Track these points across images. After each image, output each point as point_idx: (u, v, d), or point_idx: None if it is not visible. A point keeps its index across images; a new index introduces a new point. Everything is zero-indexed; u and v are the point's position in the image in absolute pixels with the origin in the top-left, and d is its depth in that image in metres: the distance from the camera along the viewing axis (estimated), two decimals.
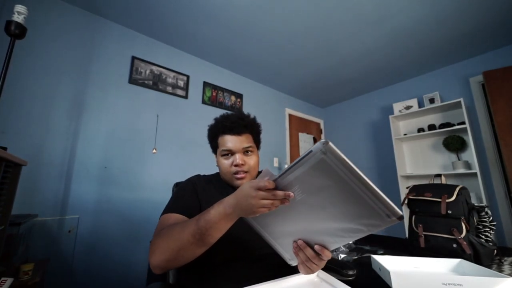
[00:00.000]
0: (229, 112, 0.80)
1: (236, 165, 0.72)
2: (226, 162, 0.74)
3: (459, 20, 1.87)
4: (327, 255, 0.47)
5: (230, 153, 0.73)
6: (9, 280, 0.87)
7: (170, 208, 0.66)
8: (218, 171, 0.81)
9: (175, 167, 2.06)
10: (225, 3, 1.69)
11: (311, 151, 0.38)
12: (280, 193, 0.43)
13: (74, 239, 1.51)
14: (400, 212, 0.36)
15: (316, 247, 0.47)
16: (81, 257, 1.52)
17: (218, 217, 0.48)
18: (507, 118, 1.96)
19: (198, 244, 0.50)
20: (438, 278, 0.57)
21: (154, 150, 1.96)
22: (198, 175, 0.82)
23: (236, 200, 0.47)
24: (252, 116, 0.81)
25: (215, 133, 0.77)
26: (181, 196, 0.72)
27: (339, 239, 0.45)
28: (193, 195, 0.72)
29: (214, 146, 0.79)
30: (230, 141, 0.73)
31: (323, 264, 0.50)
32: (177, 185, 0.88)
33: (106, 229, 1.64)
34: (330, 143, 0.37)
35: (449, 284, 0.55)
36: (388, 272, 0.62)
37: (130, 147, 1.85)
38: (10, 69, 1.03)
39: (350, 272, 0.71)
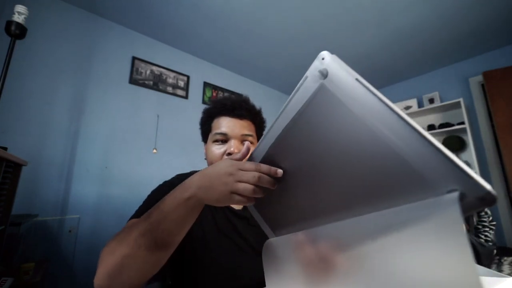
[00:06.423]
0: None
1: (229, 154, 0.56)
2: (217, 151, 0.58)
3: (459, 20, 1.87)
4: None
5: (224, 139, 0.58)
6: (10, 280, 0.87)
7: (138, 212, 0.52)
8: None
9: (175, 167, 2.06)
10: (225, 3, 1.69)
11: (306, 77, 0.26)
12: (264, 167, 0.33)
13: (74, 239, 1.51)
14: (488, 187, 0.17)
15: None
16: (81, 257, 1.52)
17: (173, 203, 0.34)
18: (507, 118, 1.96)
19: (150, 247, 0.34)
20: None
21: (155, 150, 1.96)
22: (180, 176, 0.63)
23: (202, 177, 0.34)
24: (258, 107, 0.69)
25: (210, 115, 0.63)
26: (154, 198, 0.56)
27: None
28: None
29: (206, 131, 0.64)
30: (227, 123, 0.59)
31: None
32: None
33: (106, 229, 1.64)
34: (334, 57, 0.23)
35: None
36: None
37: (131, 147, 1.85)
38: (10, 69, 1.03)
39: None
